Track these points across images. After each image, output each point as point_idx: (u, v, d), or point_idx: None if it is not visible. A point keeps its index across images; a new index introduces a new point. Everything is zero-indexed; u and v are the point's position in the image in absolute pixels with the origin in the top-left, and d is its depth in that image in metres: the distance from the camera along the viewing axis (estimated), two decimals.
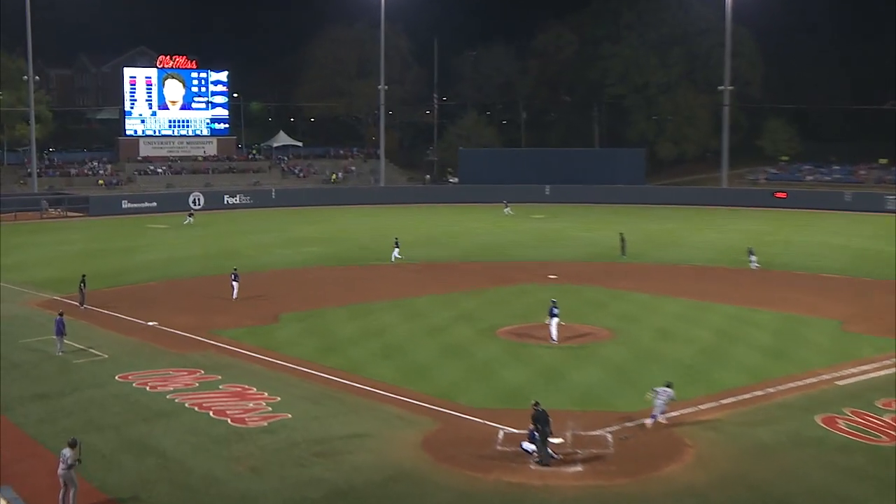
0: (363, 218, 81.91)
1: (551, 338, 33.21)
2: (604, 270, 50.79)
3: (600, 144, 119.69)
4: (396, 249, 53.68)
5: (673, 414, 24.35)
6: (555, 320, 33.33)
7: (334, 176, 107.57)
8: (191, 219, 76.41)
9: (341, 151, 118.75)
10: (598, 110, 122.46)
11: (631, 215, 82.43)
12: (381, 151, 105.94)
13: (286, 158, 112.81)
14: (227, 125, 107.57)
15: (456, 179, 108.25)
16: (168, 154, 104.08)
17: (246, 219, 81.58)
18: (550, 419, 21.51)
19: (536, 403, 22.29)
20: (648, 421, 23.75)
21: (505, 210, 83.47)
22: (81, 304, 39.85)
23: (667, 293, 43.27)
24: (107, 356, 31.66)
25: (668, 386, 24.26)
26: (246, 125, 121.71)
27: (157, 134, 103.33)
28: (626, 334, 34.54)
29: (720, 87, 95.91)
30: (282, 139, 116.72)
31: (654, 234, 68.13)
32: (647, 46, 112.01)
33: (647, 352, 31.99)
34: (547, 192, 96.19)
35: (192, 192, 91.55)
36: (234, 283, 41.77)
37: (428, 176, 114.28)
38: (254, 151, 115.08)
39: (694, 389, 27.03)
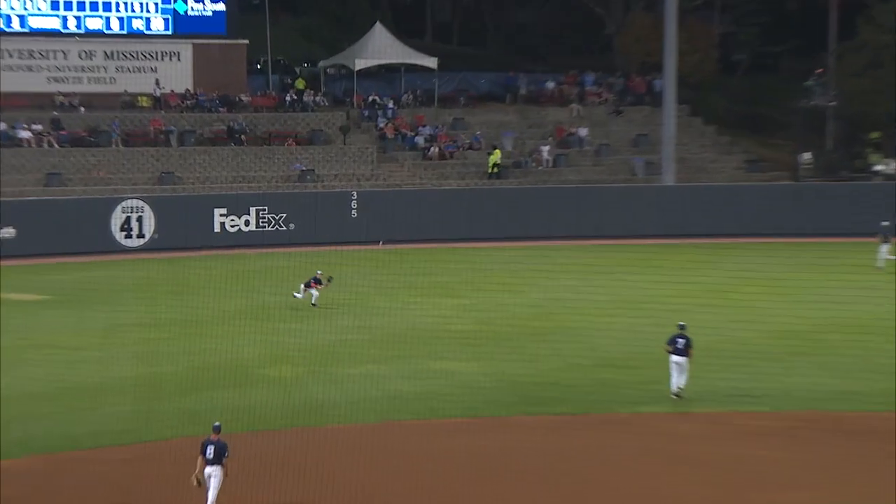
0: (607, 276, 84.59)
1: None
2: None
3: None
4: (680, 358, 55.93)
5: None
6: None
7: (495, 159, 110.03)
8: (310, 291, 76.40)
9: (549, 84, 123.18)
10: None
11: None
12: (666, 82, 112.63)
13: (391, 106, 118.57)
14: (223, 6, 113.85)
15: (892, 164, 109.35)
16: (53, 89, 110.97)
17: (271, 275, 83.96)
18: None
19: None
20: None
21: (882, 250, 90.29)
22: None
23: None
24: None
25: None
26: (275, 8, 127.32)
27: (22, 30, 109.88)
28: None
29: None
30: (376, 50, 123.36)
31: None
32: None
33: None
34: None
35: (121, 201, 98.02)
36: (210, 466, 41.99)
37: (807, 154, 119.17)
38: (299, 83, 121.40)
39: None
